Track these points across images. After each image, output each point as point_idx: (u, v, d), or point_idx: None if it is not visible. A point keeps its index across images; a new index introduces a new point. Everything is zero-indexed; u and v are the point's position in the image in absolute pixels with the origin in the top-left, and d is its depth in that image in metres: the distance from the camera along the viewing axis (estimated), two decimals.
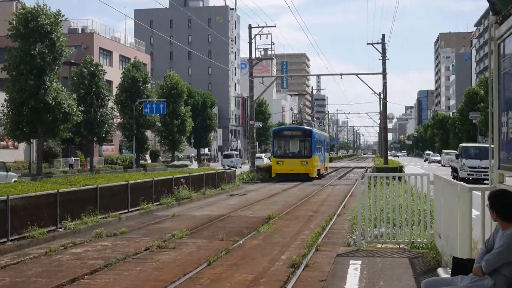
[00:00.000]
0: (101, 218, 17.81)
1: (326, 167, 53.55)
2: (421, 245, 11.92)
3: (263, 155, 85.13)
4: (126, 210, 19.90)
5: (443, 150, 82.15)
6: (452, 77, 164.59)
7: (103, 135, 54.31)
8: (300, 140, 43.60)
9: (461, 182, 8.39)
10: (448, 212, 9.36)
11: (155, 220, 19.11)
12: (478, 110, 76.19)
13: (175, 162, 62.22)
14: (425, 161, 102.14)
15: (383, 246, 12.30)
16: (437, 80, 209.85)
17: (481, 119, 72.34)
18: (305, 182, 40.34)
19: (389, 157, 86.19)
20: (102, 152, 65.52)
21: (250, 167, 47.14)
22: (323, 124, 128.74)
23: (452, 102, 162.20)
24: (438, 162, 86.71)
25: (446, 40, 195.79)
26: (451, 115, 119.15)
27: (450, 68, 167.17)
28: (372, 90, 51.24)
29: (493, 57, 8.21)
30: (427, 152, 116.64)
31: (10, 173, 33.36)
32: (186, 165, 55.50)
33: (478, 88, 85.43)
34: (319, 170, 45.61)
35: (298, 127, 46.46)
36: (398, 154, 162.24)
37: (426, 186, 11.92)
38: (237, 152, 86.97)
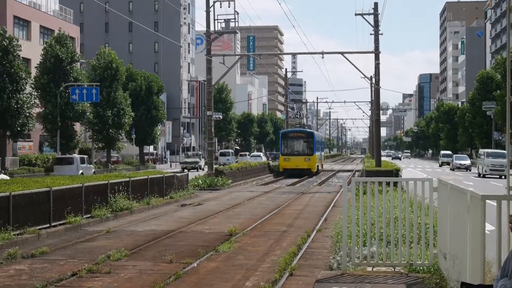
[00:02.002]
0: (15, 234, 17.59)
1: (322, 164, 74.33)
2: (421, 268, 12.03)
3: (261, 153, 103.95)
4: (48, 225, 19.68)
5: (481, 150, 64.95)
6: (462, 58, 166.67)
7: (19, 129, 53.63)
8: (303, 141, 63.04)
9: (471, 189, 8.46)
10: (456, 226, 9.45)
11: (85, 237, 18.96)
12: (493, 99, 77.28)
13: (187, 159, 78.68)
14: (441, 165, 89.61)
15: (374, 269, 12.38)
16: (442, 62, 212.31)
17: (497, 110, 73.41)
18: (276, 189, 41.31)
19: (385, 158, 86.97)
20: (17, 150, 64.74)
21: (207, 170, 47.12)
22: (300, 115, 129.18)
23: (461, 89, 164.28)
24: (467, 168, 73.50)
25: (454, 11, 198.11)
26: (459, 105, 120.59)
27: (459, 46, 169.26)
28: (362, 73, 51.47)
29: None
30: (445, 152, 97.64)
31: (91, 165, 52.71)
32: (197, 162, 74.51)
33: (493, 71, 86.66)
34: (318, 166, 65.29)
35: (302, 130, 69.22)
36: (398, 155, 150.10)
37: (429, 194, 12.03)
38: (232, 151, 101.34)
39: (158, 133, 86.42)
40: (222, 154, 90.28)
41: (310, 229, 19.99)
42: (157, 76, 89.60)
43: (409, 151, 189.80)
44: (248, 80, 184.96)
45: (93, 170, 52.98)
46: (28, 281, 12.46)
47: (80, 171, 47.79)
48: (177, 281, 12.47)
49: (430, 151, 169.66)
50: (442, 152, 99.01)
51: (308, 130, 69.89)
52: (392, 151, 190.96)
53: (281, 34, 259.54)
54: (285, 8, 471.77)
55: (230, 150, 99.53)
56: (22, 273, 13.48)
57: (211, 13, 46.57)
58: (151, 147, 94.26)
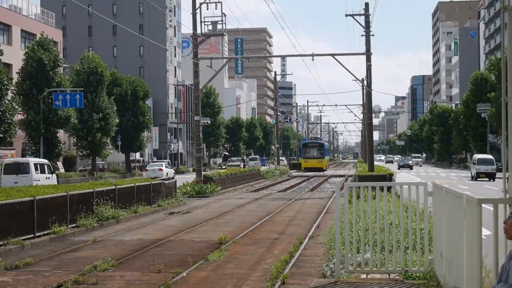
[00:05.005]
0: None
1: (328, 165, 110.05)
2: (417, 275, 12.05)
3: (284, 158, 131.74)
4: (32, 235, 19.61)
5: None
6: (455, 59, 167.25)
7: (1, 136, 53.49)
8: (317, 149, 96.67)
9: (467, 193, 8.49)
10: (452, 231, 9.49)
11: (71, 247, 18.91)
12: (488, 101, 77.57)
13: (232, 163, 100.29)
14: (475, 178, 60.46)
15: (368, 276, 12.39)
16: (435, 63, 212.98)
17: (492, 112, 73.66)
18: (267, 196, 41.57)
19: (387, 165, 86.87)
20: None
21: (196, 177, 47.07)
22: (290, 120, 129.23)
23: (455, 90, 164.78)
24: None
25: (446, 10, 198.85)
26: (454, 108, 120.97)
27: (452, 47, 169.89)
28: (353, 75, 51.47)
29: (508, 31, 8.35)
30: (482, 157, 63.71)
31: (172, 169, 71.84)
32: (238, 165, 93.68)
33: (487, 72, 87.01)
34: (326, 166, 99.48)
35: (316, 142, 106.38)
36: (408, 162, 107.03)
37: (424, 199, 12.06)
38: (259, 156, 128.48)
39: (145, 140, 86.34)
40: (251, 159, 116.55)
41: (302, 236, 19.99)
42: (142, 80, 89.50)
43: (419, 155, 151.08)
44: (237, 84, 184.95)
45: (173, 172, 71.57)
46: None
47: (166, 172, 65.90)
48: None
49: (424, 155, 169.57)
50: (478, 156, 64.23)
51: (320, 141, 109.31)
52: (392, 156, 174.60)
53: (270, 36, 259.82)
54: (273, 8, 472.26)
55: (257, 156, 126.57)
56: (6, 285, 13.45)
57: (198, 15, 46.52)
58: (138, 154, 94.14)
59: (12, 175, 37.60)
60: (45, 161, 42.58)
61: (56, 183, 38.23)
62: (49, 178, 39.50)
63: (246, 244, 19.05)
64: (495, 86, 74.90)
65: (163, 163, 71.18)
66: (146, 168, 70.35)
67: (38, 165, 39.30)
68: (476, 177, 60.28)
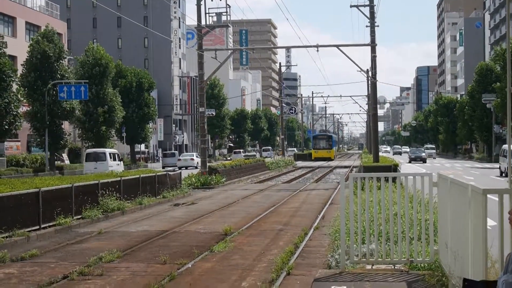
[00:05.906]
0: (3, 237, 17.56)
1: (336, 155, 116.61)
2: (422, 265, 12.04)
3: (295, 149, 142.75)
4: (37, 227, 19.65)
5: None
6: (460, 50, 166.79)
7: (6, 128, 53.51)
8: (326, 140, 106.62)
9: (472, 183, 8.48)
10: (457, 222, 9.47)
11: (76, 238, 18.94)
12: (493, 92, 77.35)
13: (248, 153, 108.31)
14: (506, 174, 45.60)
15: (373, 267, 12.39)
16: (440, 54, 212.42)
17: (497, 102, 73.43)
18: (272, 187, 41.63)
19: (393, 157, 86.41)
20: (4, 150, 64.59)
21: (200, 168, 47.10)
22: (295, 111, 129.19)
23: (460, 81, 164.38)
24: None
25: (451, 1, 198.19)
26: (459, 98, 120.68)
27: (458, 38, 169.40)
28: (358, 66, 51.69)
29: None
30: None
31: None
32: (254, 155, 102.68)
33: (493, 63, 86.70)
34: (335, 155, 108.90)
35: (325, 134, 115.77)
36: (421, 154, 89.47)
37: (429, 189, 12.04)
38: (270, 148, 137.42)
39: (150, 131, 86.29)
40: (264, 150, 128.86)
41: (307, 227, 19.98)
42: (147, 72, 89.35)
43: (433, 145, 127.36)
44: (241, 75, 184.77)
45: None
46: (18, 285, 12.44)
47: (197, 161, 74.41)
48: (171, 282, 12.45)
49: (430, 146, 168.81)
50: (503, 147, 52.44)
51: (328, 133, 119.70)
52: (399, 147, 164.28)
53: (274, 28, 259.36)
54: (279, 0, 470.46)
55: (270, 147, 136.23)
56: (12, 276, 13.46)
57: (202, 7, 46.41)
58: (143, 146, 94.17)
59: (92, 162, 48.17)
60: (115, 151, 53.66)
61: (123, 168, 48.61)
62: (119, 164, 49.48)
63: (251, 235, 19.06)
64: (500, 76, 74.62)
65: (194, 154, 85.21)
66: (179, 158, 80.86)
67: (111, 154, 50.01)
68: (503, 174, 48.47)
